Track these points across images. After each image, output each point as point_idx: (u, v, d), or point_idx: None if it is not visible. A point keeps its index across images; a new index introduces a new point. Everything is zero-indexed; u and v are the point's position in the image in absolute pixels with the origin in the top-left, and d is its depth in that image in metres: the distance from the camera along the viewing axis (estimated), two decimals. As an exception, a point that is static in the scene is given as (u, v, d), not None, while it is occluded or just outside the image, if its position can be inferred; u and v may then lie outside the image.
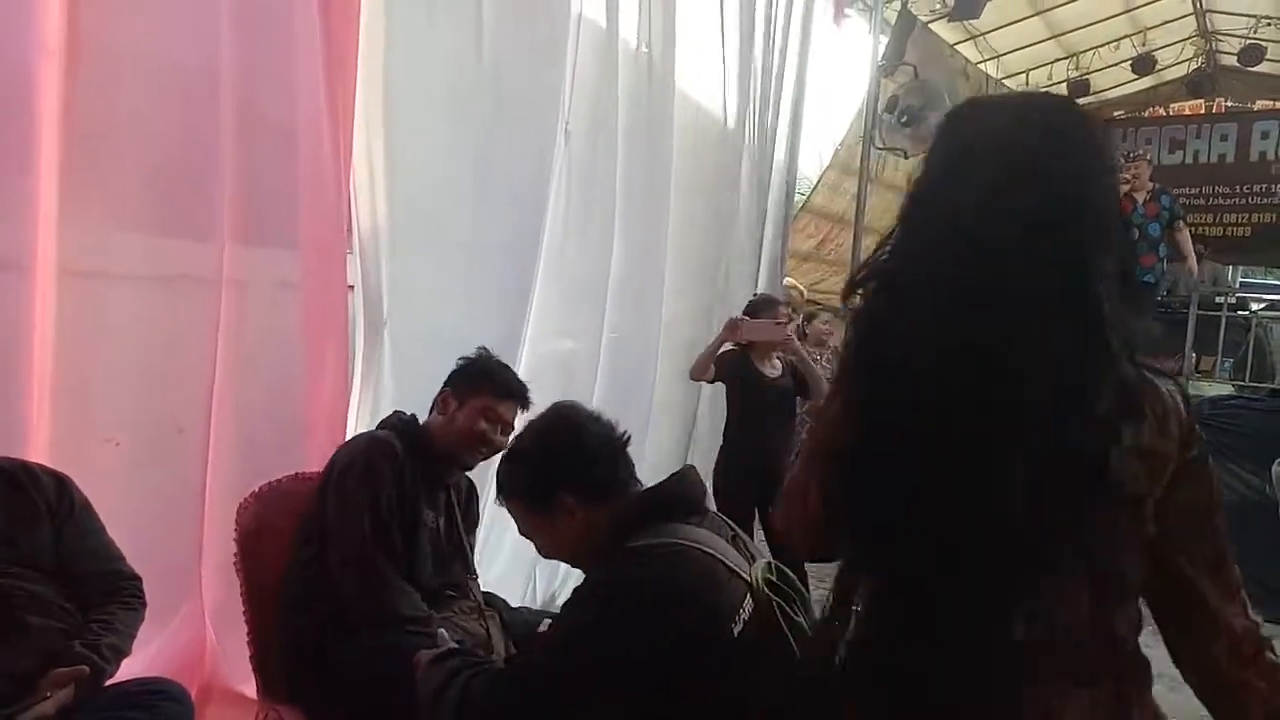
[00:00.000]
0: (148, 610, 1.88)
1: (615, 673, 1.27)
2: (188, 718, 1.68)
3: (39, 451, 1.96)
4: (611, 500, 1.46)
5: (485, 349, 2.18)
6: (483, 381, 2.09)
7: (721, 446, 3.73)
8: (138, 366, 2.16)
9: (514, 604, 2.36)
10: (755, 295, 4.14)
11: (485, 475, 2.27)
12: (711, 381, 3.72)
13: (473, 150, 2.85)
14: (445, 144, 2.77)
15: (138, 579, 1.85)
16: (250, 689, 2.16)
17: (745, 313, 3.68)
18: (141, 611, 1.83)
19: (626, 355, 3.83)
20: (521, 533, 1.56)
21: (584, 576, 1.48)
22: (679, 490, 1.48)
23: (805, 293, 5.98)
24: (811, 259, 7.96)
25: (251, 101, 2.27)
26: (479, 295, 2.93)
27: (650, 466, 2.66)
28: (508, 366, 2.20)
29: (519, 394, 2.10)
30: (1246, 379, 5.76)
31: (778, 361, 3.73)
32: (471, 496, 2.31)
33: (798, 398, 3.81)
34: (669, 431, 4.35)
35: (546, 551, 1.56)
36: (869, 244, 8.14)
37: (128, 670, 2.15)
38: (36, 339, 1.94)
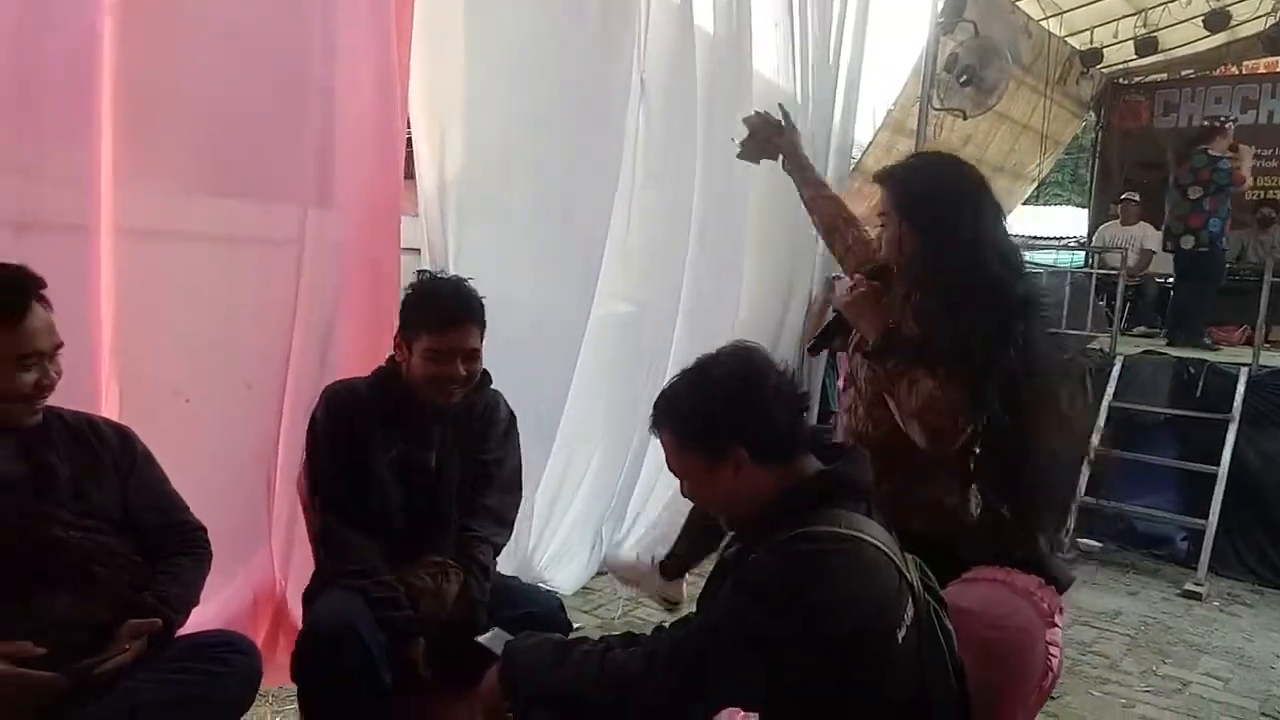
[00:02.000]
0: (218, 560, 1.92)
1: (783, 657, 1.24)
2: (256, 670, 1.71)
3: (110, 408, 2.01)
4: (782, 464, 1.38)
5: (424, 271, 2.04)
6: (416, 319, 1.96)
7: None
8: (203, 325, 2.20)
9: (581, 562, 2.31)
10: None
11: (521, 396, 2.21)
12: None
13: (542, 116, 2.83)
14: (514, 111, 2.76)
15: (203, 529, 1.89)
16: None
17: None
18: (208, 561, 1.87)
19: (701, 323, 3.76)
20: (670, 468, 1.46)
21: (748, 551, 1.37)
22: (853, 475, 1.40)
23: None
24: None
25: (300, 64, 2.28)
26: (545, 261, 2.93)
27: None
28: (444, 284, 2.00)
29: (459, 316, 1.95)
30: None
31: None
32: (487, 434, 2.14)
33: None
34: None
35: (694, 495, 1.47)
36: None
37: (201, 620, 2.22)
38: (104, 298, 1.98)
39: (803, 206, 2.54)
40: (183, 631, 2.06)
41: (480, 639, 1.65)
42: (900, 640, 1.25)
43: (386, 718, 1.79)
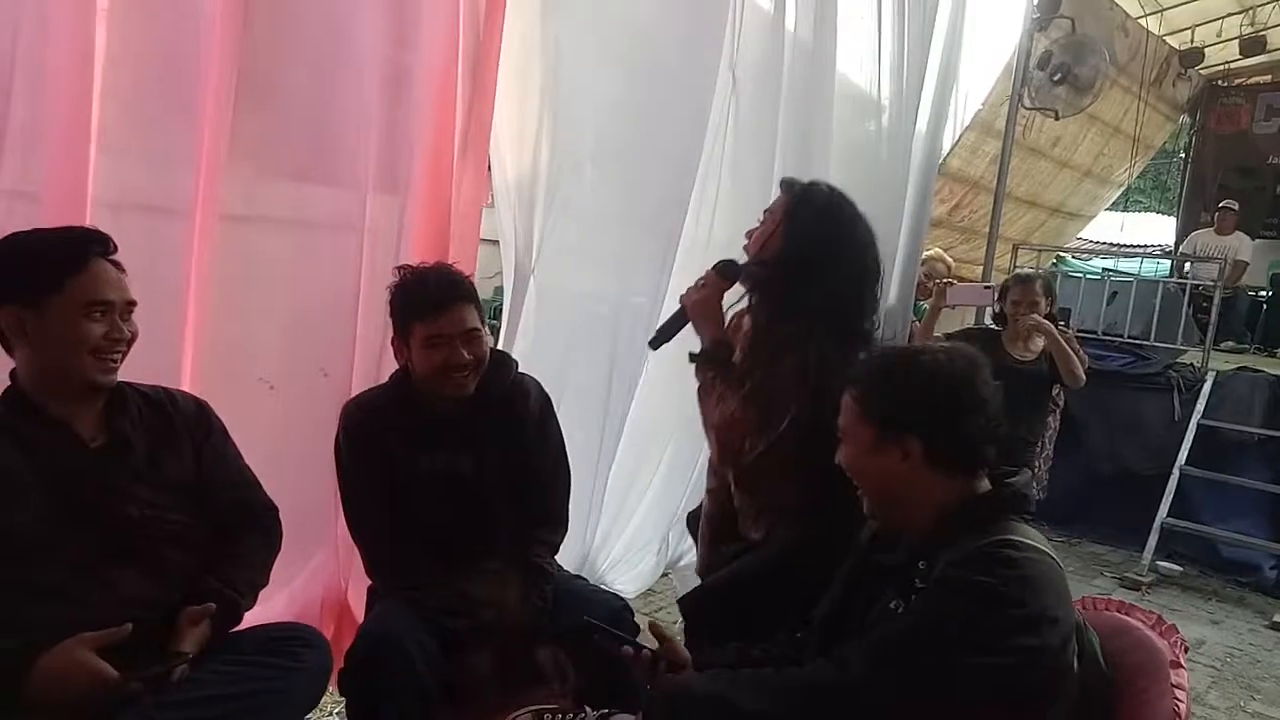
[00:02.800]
0: (286, 550, 1.90)
1: (1005, 666, 1.22)
2: (327, 665, 1.68)
3: (192, 386, 2.00)
4: (957, 476, 1.37)
5: (404, 267, 1.94)
6: (406, 311, 1.88)
7: None
8: (285, 310, 2.19)
9: (645, 564, 2.25)
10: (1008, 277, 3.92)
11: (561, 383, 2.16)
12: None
13: (629, 106, 2.75)
14: (602, 101, 2.69)
15: (274, 509, 1.86)
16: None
17: (999, 294, 3.57)
18: (278, 541, 1.84)
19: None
20: (839, 426, 1.44)
21: (921, 558, 1.37)
22: (1027, 492, 1.42)
23: (952, 264, 5.62)
24: (943, 225, 7.59)
25: (387, 54, 2.23)
26: (625, 255, 2.85)
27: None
28: (427, 271, 1.92)
29: (448, 297, 1.86)
30: None
31: (1034, 344, 3.51)
32: (523, 425, 2.04)
33: (1054, 385, 3.62)
34: None
35: (849, 464, 1.44)
36: (1010, 214, 7.79)
37: (271, 613, 2.21)
38: (193, 280, 1.97)
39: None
40: (255, 619, 2.07)
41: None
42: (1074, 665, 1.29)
43: None
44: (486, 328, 2.00)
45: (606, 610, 1.96)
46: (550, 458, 2.10)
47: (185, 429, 1.72)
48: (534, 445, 2.06)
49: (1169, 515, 5.04)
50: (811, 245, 1.82)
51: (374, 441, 1.93)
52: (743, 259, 1.94)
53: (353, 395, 2.17)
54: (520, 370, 2.12)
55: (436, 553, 1.93)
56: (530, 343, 2.62)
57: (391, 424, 1.94)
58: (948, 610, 1.26)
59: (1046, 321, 3.62)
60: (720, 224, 3.17)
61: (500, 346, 2.55)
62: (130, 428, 1.63)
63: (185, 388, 1.98)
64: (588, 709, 1.66)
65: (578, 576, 2.31)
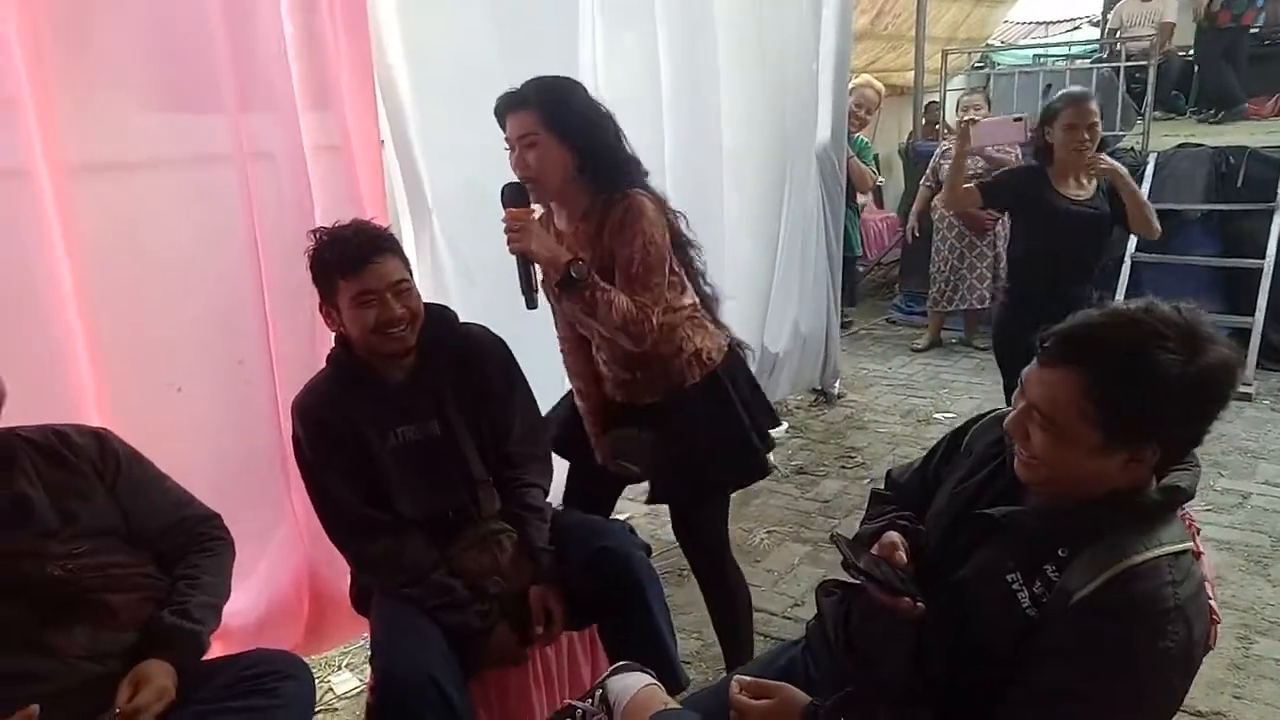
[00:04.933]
0: (245, 541, 1.82)
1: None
2: (308, 693, 1.61)
3: (98, 409, 1.85)
4: (1153, 471, 1.20)
5: (318, 230, 1.79)
6: (328, 272, 1.76)
7: (1006, 290, 3.18)
8: (179, 283, 2.00)
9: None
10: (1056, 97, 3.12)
11: (521, 334, 2.07)
12: (988, 209, 3.09)
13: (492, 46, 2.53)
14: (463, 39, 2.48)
15: (214, 516, 1.76)
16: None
17: (1043, 119, 2.98)
18: (229, 551, 1.75)
19: (685, 191, 3.42)
20: (1038, 408, 1.19)
21: (1050, 533, 1.23)
22: (1193, 485, 1.23)
23: (883, 90, 5.36)
24: (868, 36, 7.28)
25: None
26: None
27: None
28: (343, 228, 1.79)
29: (368, 250, 1.74)
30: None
31: (1088, 179, 3.02)
32: (484, 376, 1.96)
33: (1115, 227, 3.08)
34: (741, 307, 3.69)
35: (1048, 454, 1.20)
36: (934, 13, 7.46)
37: (247, 604, 2.14)
38: (58, 249, 1.78)
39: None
40: (232, 623, 1.99)
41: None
42: None
43: None
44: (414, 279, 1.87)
45: (615, 534, 1.94)
46: (521, 402, 2.01)
47: (91, 471, 1.59)
48: (501, 395, 1.97)
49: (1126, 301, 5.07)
50: (576, 128, 1.87)
51: (338, 431, 1.80)
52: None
53: (274, 372, 2.04)
54: (464, 321, 1.99)
55: (425, 530, 1.84)
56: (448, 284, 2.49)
57: (350, 408, 1.81)
58: (1117, 674, 1.14)
59: (1116, 163, 3.04)
60: (613, 84, 2.96)
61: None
62: (27, 484, 1.50)
63: (94, 404, 1.83)
64: (576, 704, 1.60)
65: (568, 509, 2.25)
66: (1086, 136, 2.92)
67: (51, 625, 1.46)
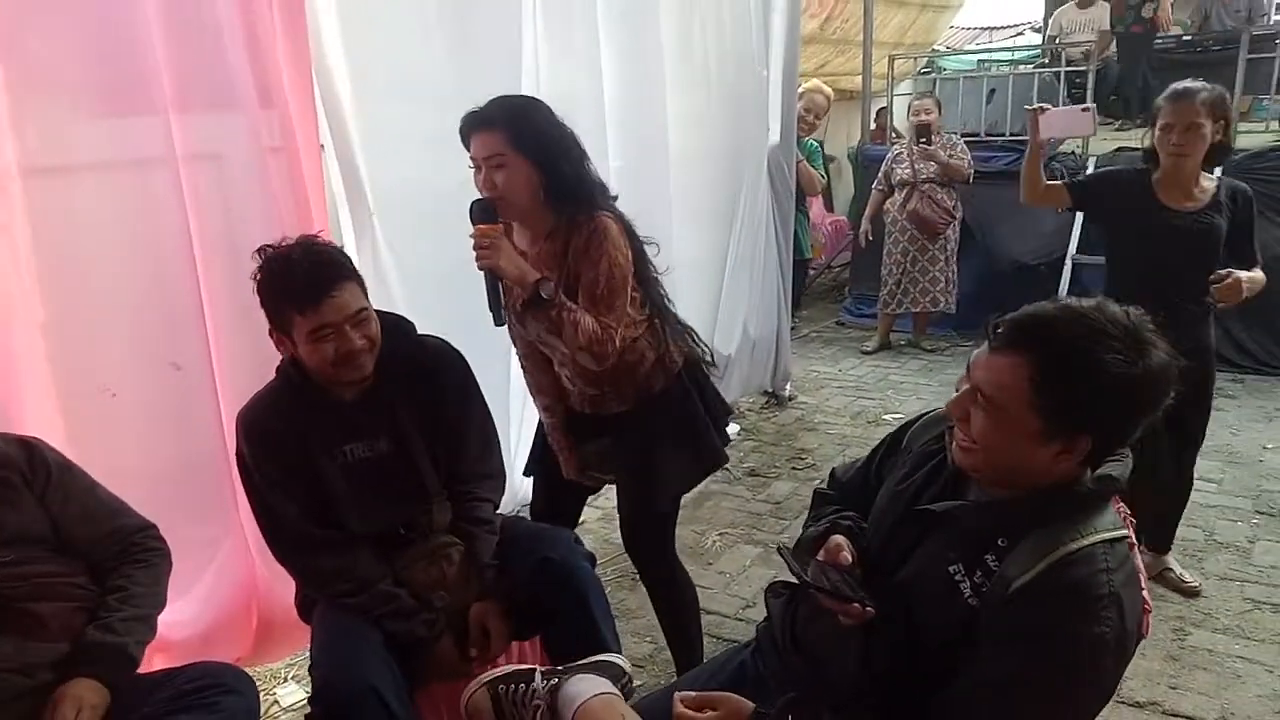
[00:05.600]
0: (189, 554, 1.81)
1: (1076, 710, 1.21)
2: (251, 707, 1.58)
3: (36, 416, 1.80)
4: (1087, 465, 1.23)
5: (266, 248, 1.71)
6: (281, 304, 1.68)
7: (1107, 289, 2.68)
8: (110, 287, 1.94)
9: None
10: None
11: (470, 342, 2.05)
12: (1073, 210, 2.71)
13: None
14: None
15: (149, 526, 1.73)
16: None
17: (1152, 118, 2.56)
18: (164, 561, 1.72)
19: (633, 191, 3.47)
20: (981, 391, 1.22)
21: (990, 525, 1.26)
22: (1124, 475, 1.26)
23: (831, 95, 5.41)
24: (816, 40, 7.36)
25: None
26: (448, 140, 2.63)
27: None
28: (293, 253, 1.70)
29: (323, 279, 1.66)
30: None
31: (1202, 186, 2.57)
32: (440, 389, 1.93)
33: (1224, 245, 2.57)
34: (691, 311, 3.74)
35: (985, 441, 1.23)
36: (881, 18, 7.57)
37: (191, 615, 2.09)
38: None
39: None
40: (174, 635, 1.95)
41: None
42: None
43: None
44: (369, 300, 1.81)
45: (561, 544, 1.92)
46: (477, 416, 1.99)
47: (20, 481, 1.55)
48: (456, 409, 1.94)
49: (1065, 305, 5.20)
50: (543, 148, 1.88)
51: (285, 446, 1.76)
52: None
53: (217, 382, 1.99)
54: (419, 332, 1.96)
55: (374, 544, 1.82)
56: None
57: (298, 422, 1.76)
58: (1053, 659, 1.17)
59: (1244, 276, 2.48)
60: (556, 84, 2.96)
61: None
62: None
63: (26, 418, 1.78)
64: (538, 672, 1.60)
65: (518, 517, 2.23)
66: (1180, 140, 2.50)
67: (-21, 636, 1.42)
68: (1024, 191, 2.79)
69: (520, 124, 1.86)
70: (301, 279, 1.66)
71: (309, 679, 2.45)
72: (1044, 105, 2.70)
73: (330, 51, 2.27)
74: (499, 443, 2.06)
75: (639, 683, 1.97)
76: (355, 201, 2.42)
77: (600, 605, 1.87)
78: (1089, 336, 1.16)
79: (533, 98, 1.99)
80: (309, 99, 2.18)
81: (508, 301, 1.94)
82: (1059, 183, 2.84)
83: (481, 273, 1.86)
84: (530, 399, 2.25)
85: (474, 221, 1.85)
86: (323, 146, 2.31)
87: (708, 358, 2.21)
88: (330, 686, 1.60)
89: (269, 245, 1.70)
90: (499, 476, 2.02)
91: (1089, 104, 2.63)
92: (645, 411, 2.06)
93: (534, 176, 1.87)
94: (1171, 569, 2.94)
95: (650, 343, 2.05)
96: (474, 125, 1.87)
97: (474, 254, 1.83)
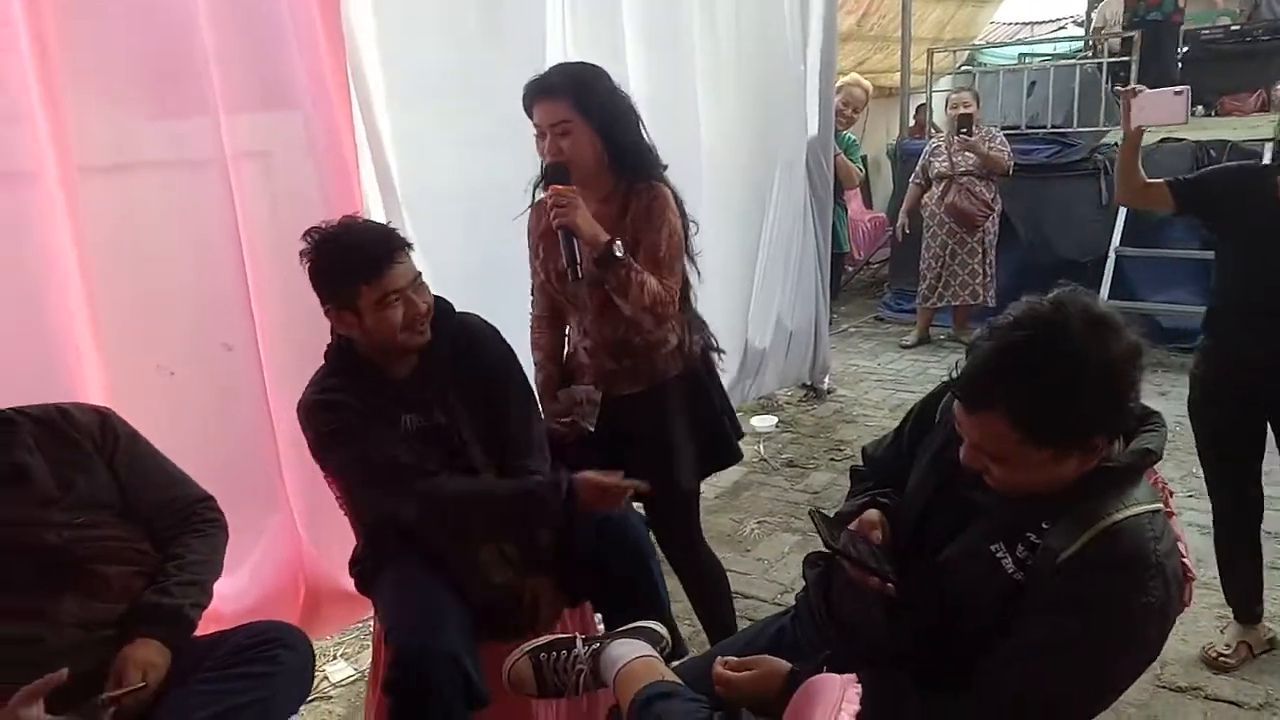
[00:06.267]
0: (238, 532, 1.84)
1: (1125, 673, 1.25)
2: (308, 663, 1.64)
3: (96, 395, 1.89)
4: (1111, 445, 1.24)
5: (312, 233, 1.75)
6: (345, 278, 1.73)
7: (1206, 318, 2.42)
8: (166, 274, 2.04)
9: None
10: None
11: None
12: (1177, 214, 2.43)
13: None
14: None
15: (208, 498, 1.79)
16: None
17: None
18: (221, 532, 1.78)
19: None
20: (980, 446, 1.23)
21: (1016, 510, 1.26)
22: (1160, 447, 1.26)
23: (870, 88, 5.40)
24: (854, 37, 7.34)
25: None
26: (477, 141, 2.67)
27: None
28: (351, 231, 1.78)
29: (387, 248, 1.74)
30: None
31: None
32: (483, 364, 1.95)
33: None
34: (723, 302, 3.71)
35: (1009, 483, 1.25)
36: (920, 13, 7.53)
37: (239, 588, 2.17)
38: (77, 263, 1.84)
39: None
40: (225, 606, 2.02)
41: None
42: None
43: None
44: None
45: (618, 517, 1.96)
46: (520, 394, 2.03)
47: (92, 447, 1.63)
48: (500, 381, 1.98)
49: (1110, 297, 5.14)
50: (605, 115, 1.95)
51: (354, 414, 1.79)
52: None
53: (263, 362, 2.11)
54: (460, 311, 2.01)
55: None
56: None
57: (359, 404, 1.81)
58: (1100, 627, 1.18)
59: None
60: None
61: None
62: (27, 455, 1.54)
63: (94, 391, 1.88)
64: (579, 639, 1.64)
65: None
66: None
67: (46, 594, 1.50)
68: (1119, 190, 2.57)
69: (584, 91, 1.93)
70: (367, 250, 1.73)
71: (360, 656, 2.56)
72: (1138, 86, 2.43)
73: (364, 50, 2.33)
74: (540, 414, 2.10)
75: (688, 654, 2.01)
76: (388, 199, 2.46)
77: (658, 567, 1.96)
78: (1034, 362, 1.17)
79: (594, 65, 2.03)
80: (346, 98, 2.25)
81: (548, 262, 2.02)
82: (1160, 182, 2.42)
83: (558, 233, 1.91)
84: None
85: (548, 182, 1.91)
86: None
87: (719, 349, 2.25)
88: (410, 655, 1.63)
89: (315, 228, 1.76)
90: (544, 445, 2.05)
91: (1181, 87, 2.34)
92: (657, 397, 2.11)
93: (597, 142, 1.94)
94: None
95: (675, 326, 2.09)
96: (538, 93, 1.94)
97: (552, 213, 1.88)
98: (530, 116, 1.97)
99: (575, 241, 1.91)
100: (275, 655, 1.56)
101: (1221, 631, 2.58)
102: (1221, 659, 2.43)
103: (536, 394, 2.18)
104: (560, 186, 1.89)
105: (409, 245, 1.81)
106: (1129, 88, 2.42)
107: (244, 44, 2.06)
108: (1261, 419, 2.35)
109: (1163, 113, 2.35)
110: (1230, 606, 2.53)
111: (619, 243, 1.89)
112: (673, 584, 2.79)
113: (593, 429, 2.11)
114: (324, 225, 1.77)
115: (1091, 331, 1.17)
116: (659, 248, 1.97)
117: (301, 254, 1.75)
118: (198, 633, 1.65)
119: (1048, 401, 1.16)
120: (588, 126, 1.93)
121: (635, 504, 2.08)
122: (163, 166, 2.04)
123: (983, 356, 1.21)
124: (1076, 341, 1.16)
